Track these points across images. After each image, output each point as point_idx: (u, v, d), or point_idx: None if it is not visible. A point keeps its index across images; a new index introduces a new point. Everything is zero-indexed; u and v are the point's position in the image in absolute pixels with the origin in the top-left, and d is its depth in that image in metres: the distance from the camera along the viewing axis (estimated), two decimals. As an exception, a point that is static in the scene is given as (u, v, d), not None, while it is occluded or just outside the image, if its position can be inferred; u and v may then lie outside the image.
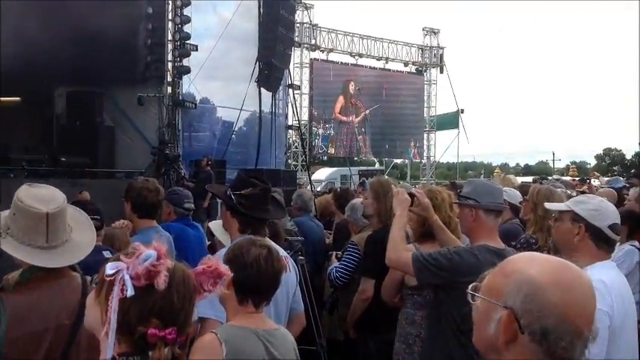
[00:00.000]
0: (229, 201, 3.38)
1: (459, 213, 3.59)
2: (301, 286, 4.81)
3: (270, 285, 2.54)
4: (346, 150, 33.77)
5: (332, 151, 33.53)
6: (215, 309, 2.74)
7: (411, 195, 3.83)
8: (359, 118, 33.96)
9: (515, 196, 5.76)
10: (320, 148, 33.21)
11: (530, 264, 1.43)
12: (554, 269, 1.41)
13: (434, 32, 35.89)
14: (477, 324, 1.47)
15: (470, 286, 1.49)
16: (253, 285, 2.49)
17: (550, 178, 15.09)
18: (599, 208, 2.84)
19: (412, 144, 36.32)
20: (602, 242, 2.80)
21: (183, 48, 17.01)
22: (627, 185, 10.01)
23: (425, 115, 36.44)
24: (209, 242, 5.33)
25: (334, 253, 5.45)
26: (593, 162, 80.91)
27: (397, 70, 35.52)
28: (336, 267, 5.09)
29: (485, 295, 1.45)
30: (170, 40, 17.04)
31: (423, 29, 35.87)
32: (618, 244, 5.92)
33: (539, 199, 4.56)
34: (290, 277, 3.50)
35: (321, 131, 32.98)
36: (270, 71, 20.38)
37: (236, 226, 3.39)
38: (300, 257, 5.20)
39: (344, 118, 33.52)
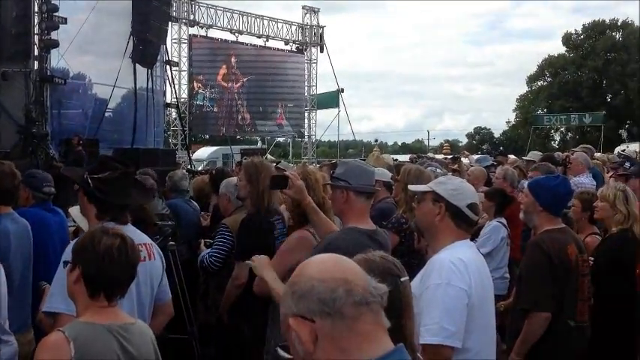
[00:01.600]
0: (86, 186, 3.16)
1: (330, 194, 3.57)
2: (171, 273, 4.65)
3: (124, 277, 2.37)
4: (227, 125, 33.40)
5: (216, 109, 33.07)
6: (68, 303, 2.55)
7: (285, 177, 3.77)
8: (238, 84, 33.71)
9: (385, 175, 5.84)
10: (207, 107, 32.68)
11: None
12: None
13: (314, 11, 36.02)
14: None
15: None
16: (105, 277, 2.32)
17: (424, 156, 15.65)
18: (459, 188, 2.88)
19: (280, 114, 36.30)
20: (461, 222, 2.84)
21: (51, 20, 16.11)
22: (495, 163, 10.49)
23: (306, 94, 36.62)
24: (74, 227, 5.02)
25: (202, 240, 5.28)
26: (465, 140, 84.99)
27: (278, 49, 35.42)
28: (208, 252, 4.93)
29: None
30: (37, 12, 16.04)
31: (303, 8, 35.94)
32: (487, 220, 6.22)
33: (409, 180, 4.65)
34: (154, 265, 3.34)
35: (208, 94, 32.46)
36: (145, 47, 19.65)
37: (93, 212, 3.17)
38: (171, 243, 5.03)
39: (225, 84, 33.21)
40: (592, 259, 4.62)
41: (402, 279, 2.06)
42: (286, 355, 1.49)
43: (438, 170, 7.35)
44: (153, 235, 4.27)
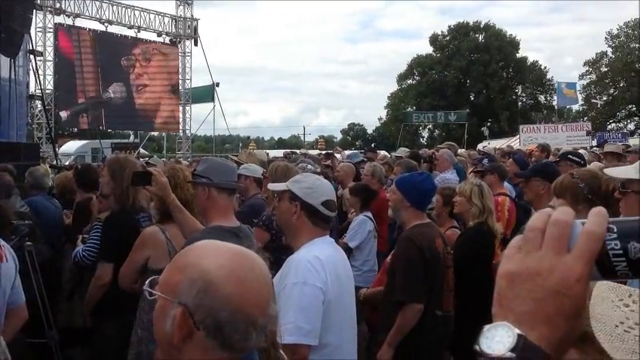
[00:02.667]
0: None
1: (194, 192, 3.53)
2: (28, 275, 4.41)
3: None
4: (96, 120, 31.96)
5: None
6: None
7: (148, 173, 3.70)
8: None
9: (257, 171, 5.87)
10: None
11: (204, 256, 1.41)
12: (228, 260, 1.40)
13: (187, 3, 35.27)
14: (155, 320, 1.42)
15: (147, 282, 1.43)
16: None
17: (298, 152, 15.82)
18: (313, 186, 2.93)
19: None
20: (317, 219, 2.90)
21: None
22: (365, 159, 10.78)
23: (180, 88, 35.85)
24: None
25: (80, 236, 5.07)
26: (339, 136, 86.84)
27: (150, 40, 34.37)
28: (83, 248, 4.73)
29: (161, 292, 1.40)
30: None
31: (176, -1, 35.13)
32: (355, 215, 6.40)
33: (276, 177, 4.69)
34: (6, 267, 3.16)
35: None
36: (9, 35, 18.39)
37: None
38: (27, 243, 4.78)
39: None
40: (452, 251, 4.91)
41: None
42: (154, 291, 1.43)
43: (310, 166, 7.48)
44: (8, 235, 4.05)
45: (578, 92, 59.63)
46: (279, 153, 19.52)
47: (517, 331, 0.80)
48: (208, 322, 1.32)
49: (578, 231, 0.82)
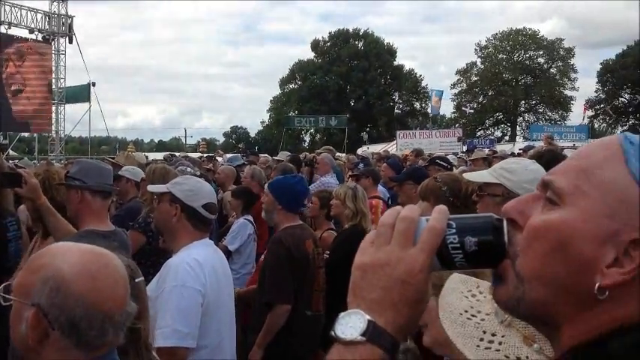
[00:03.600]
0: None
1: (66, 195, 3.42)
2: None
3: None
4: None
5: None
6: None
7: (18, 174, 3.55)
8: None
9: (137, 174, 5.76)
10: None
11: (58, 256, 1.42)
12: (80, 258, 1.41)
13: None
14: (11, 325, 1.41)
15: (1, 287, 1.42)
16: None
17: (178, 154, 15.55)
18: (194, 188, 2.95)
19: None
20: (198, 222, 2.91)
21: None
22: (246, 163, 10.80)
23: (54, 87, 34.13)
24: None
25: None
26: (222, 139, 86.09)
27: (23, 38, 32.48)
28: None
29: (15, 295, 1.39)
30: None
31: (50, -5, 33.43)
32: (236, 218, 6.42)
33: (154, 179, 4.63)
34: None
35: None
36: None
37: None
38: None
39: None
40: (327, 253, 5.04)
41: (137, 280, 2.08)
42: (8, 296, 1.41)
43: (189, 169, 7.42)
44: None
45: (450, 100, 62.79)
46: (159, 156, 19.10)
47: (367, 317, 0.89)
48: (63, 321, 1.33)
49: (423, 226, 0.91)
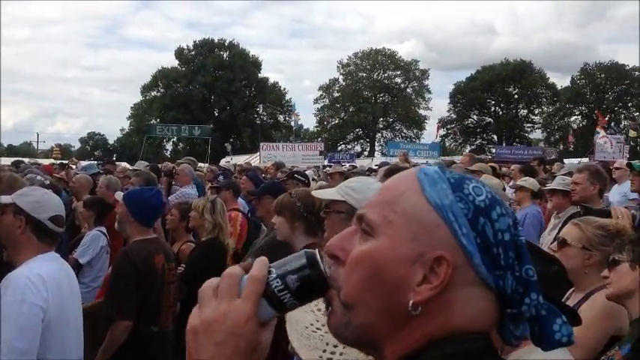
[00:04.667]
0: None
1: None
2: None
3: None
4: None
5: None
6: None
7: None
8: None
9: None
10: None
11: None
12: None
13: None
14: None
15: None
16: None
17: (27, 161, 14.69)
18: (41, 200, 2.85)
19: None
20: (44, 235, 2.81)
21: None
22: (102, 172, 10.41)
23: None
24: None
25: None
26: (78, 145, 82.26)
27: None
28: None
29: None
30: None
31: None
32: (88, 230, 6.18)
33: (3, 188, 4.39)
34: None
35: None
36: None
37: None
38: None
39: None
40: (183, 265, 5.01)
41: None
42: None
43: (39, 177, 7.07)
44: None
45: (313, 114, 64.02)
46: (7, 161, 17.95)
47: None
48: None
49: (246, 278, 0.96)
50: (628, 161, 7.42)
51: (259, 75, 67.41)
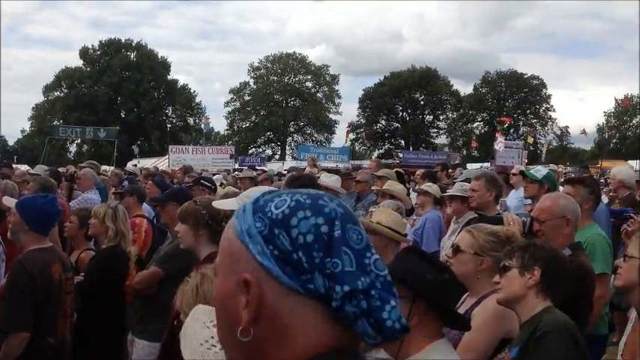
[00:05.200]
0: None
1: None
2: None
3: None
4: None
5: None
6: None
7: None
8: None
9: None
10: None
11: None
12: None
13: None
14: None
15: None
16: None
17: None
18: None
19: None
20: None
21: None
22: (-2, 175, 9.90)
23: None
24: None
25: None
26: None
27: None
28: None
29: None
30: None
31: None
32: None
33: None
34: None
35: None
36: None
37: None
38: None
39: None
40: (82, 274, 4.85)
41: None
42: None
43: None
44: None
45: (224, 117, 63.47)
46: None
47: None
48: None
49: None
50: (522, 168, 7.80)
51: (168, 77, 66.19)
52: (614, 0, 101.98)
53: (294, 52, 70.69)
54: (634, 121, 64.32)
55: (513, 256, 2.66)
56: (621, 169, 8.57)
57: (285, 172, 13.54)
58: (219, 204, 2.92)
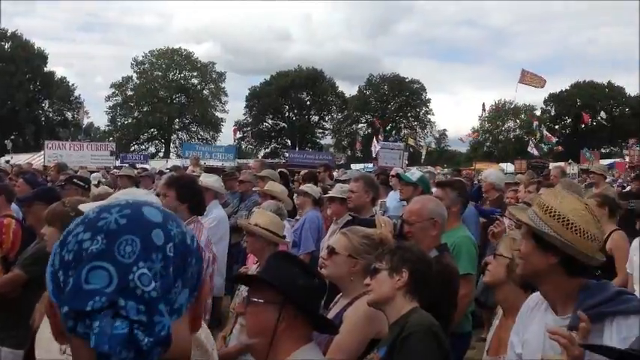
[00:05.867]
0: None
1: None
2: None
3: None
4: None
5: None
6: None
7: None
8: None
9: None
10: None
11: None
12: None
13: None
14: None
15: None
16: None
17: None
18: None
19: None
20: None
21: None
22: None
23: None
24: None
25: None
26: None
27: None
28: None
29: None
30: None
31: None
32: None
33: None
34: None
35: None
36: None
37: None
38: None
39: None
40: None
41: None
42: None
43: None
44: None
45: (105, 112, 61.27)
46: None
47: None
48: None
49: None
50: (399, 171, 8.06)
51: (45, 69, 62.88)
52: (489, 9, 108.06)
53: (180, 47, 69.35)
54: (506, 126, 68.25)
55: (383, 258, 2.74)
56: (491, 172, 9.05)
57: (167, 170, 13.22)
58: (85, 207, 2.79)
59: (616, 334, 2.06)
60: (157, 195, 4.71)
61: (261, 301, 2.19)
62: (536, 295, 2.44)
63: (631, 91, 66.81)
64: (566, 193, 2.44)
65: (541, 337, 2.24)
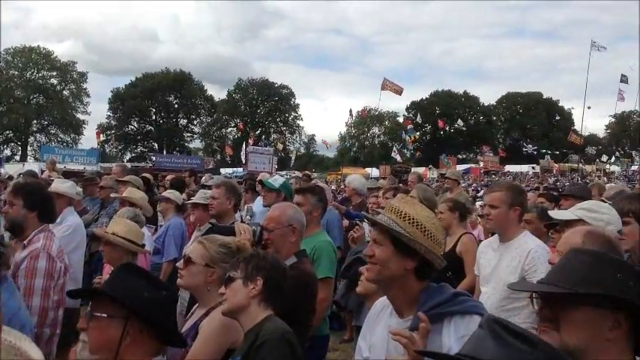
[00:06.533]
0: None
1: None
2: None
3: None
4: None
5: None
6: None
7: None
8: None
9: None
10: None
11: None
12: None
13: None
14: None
15: None
16: None
17: None
18: None
19: None
20: None
21: None
22: None
23: None
24: None
25: None
26: None
27: None
28: None
29: None
30: None
31: None
32: None
33: None
34: None
35: None
36: None
37: None
38: None
39: None
40: None
41: None
42: None
43: None
44: None
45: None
46: None
47: None
48: None
49: None
50: (261, 177, 8.07)
51: None
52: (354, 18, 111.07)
53: (39, 45, 65.57)
54: (371, 132, 70.58)
55: (238, 267, 2.72)
56: (355, 178, 9.27)
57: (20, 175, 12.38)
58: None
59: (454, 333, 2.16)
60: (4, 203, 4.42)
61: (104, 315, 2.10)
62: (382, 300, 2.51)
63: (485, 100, 71.53)
64: (415, 200, 2.54)
65: (385, 339, 2.31)
